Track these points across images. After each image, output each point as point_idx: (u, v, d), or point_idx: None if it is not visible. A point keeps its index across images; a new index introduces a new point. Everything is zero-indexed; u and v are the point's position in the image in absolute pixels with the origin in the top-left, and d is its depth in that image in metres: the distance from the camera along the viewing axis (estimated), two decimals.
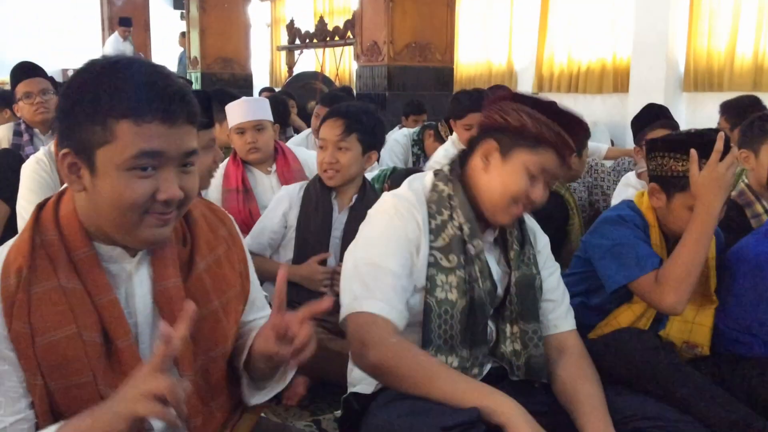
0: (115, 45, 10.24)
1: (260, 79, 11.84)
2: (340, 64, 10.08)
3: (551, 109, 1.55)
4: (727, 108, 4.01)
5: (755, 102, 3.93)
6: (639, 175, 3.02)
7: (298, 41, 9.76)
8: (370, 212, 1.64)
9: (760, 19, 6.76)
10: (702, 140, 1.83)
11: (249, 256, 1.39)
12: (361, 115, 2.45)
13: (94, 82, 1.06)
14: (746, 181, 2.61)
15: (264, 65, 13.54)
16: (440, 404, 1.38)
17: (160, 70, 1.11)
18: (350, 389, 1.69)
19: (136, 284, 1.18)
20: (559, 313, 1.71)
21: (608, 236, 1.93)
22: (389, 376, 1.45)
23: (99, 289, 1.12)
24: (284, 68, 10.63)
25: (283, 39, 10.66)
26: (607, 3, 8.26)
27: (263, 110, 3.04)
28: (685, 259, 1.76)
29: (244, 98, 3.24)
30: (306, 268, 2.34)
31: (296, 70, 10.07)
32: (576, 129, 1.56)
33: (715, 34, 7.17)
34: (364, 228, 1.62)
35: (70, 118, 1.08)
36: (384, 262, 1.52)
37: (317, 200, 2.42)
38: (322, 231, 2.38)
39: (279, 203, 2.46)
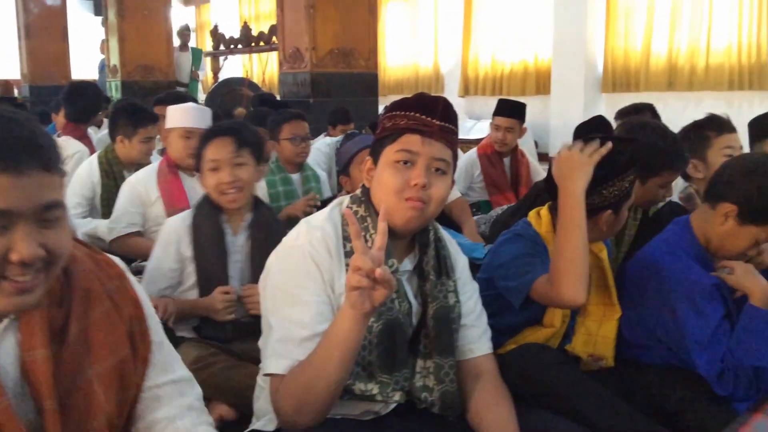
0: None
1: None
2: (267, 70, 9.98)
3: (403, 101, 1.60)
4: (626, 114, 4.11)
5: (650, 107, 4.07)
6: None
7: (222, 47, 9.63)
8: (285, 243, 1.59)
9: (674, 19, 6.98)
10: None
11: (149, 312, 1.28)
12: (245, 129, 2.39)
13: None
14: (695, 187, 2.67)
15: (188, 72, 13.28)
16: None
17: (4, 115, 1.00)
18: (253, 423, 1.66)
19: (2, 353, 1.07)
20: (474, 337, 1.69)
21: (506, 253, 1.94)
22: (308, 405, 1.43)
23: None
24: (209, 74, 10.48)
25: (208, 45, 10.49)
26: (528, 5, 8.41)
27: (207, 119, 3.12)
28: (563, 249, 1.77)
29: (191, 104, 3.32)
30: (206, 300, 2.24)
31: (222, 77, 9.94)
32: (432, 105, 1.56)
33: (631, 35, 7.37)
34: (276, 267, 1.57)
35: None
36: (301, 318, 1.48)
37: (208, 228, 2.30)
38: (220, 260, 2.28)
39: (168, 241, 2.31)
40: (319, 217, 1.61)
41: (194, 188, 2.84)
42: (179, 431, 1.25)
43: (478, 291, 1.75)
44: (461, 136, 7.82)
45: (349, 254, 1.54)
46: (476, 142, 7.29)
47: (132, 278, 1.28)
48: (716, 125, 2.63)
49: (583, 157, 1.82)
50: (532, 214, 2.06)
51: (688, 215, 2.06)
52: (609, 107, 7.65)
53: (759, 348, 1.78)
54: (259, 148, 2.40)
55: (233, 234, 2.32)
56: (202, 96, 9.93)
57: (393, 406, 1.58)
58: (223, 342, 2.22)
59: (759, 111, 4.15)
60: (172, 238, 2.30)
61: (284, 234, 2.06)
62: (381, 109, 8.22)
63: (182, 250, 2.29)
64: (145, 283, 2.30)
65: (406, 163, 1.54)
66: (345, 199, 1.67)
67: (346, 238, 1.56)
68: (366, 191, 1.63)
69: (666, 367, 1.90)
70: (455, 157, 1.62)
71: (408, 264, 1.64)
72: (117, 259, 1.28)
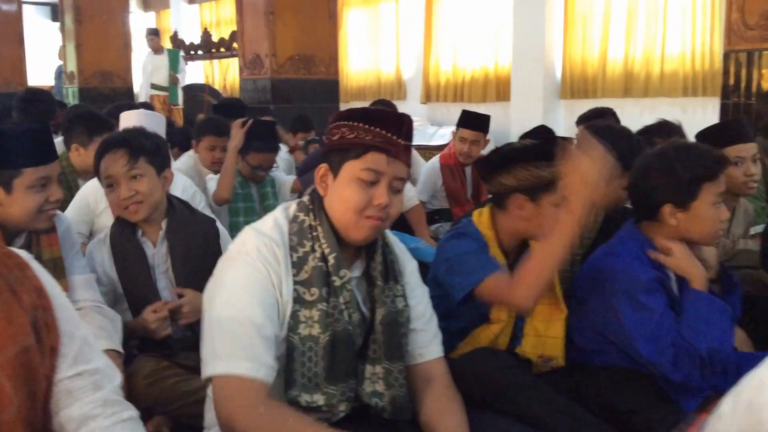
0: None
1: (146, 93, 11.47)
2: (228, 76, 9.92)
3: (366, 115, 1.56)
4: (588, 119, 4.17)
5: (611, 112, 4.15)
6: None
7: (183, 53, 9.56)
8: (232, 250, 1.56)
9: (629, 27, 7.12)
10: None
11: (60, 302, 1.25)
12: (140, 137, 2.28)
13: None
14: None
15: None
16: None
17: None
18: None
19: None
20: (424, 341, 1.68)
21: (450, 250, 1.97)
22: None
23: None
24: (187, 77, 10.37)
25: None
26: (488, 12, 8.49)
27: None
28: (544, 259, 1.79)
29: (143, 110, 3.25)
30: (139, 321, 2.17)
31: (183, 83, 9.85)
32: (395, 124, 1.55)
33: (589, 42, 7.49)
34: (224, 273, 1.54)
35: None
36: (249, 317, 1.46)
37: (126, 247, 2.23)
38: (145, 278, 2.21)
39: (91, 262, 2.23)
40: (267, 223, 1.59)
41: None
42: None
43: (428, 294, 1.75)
44: (423, 142, 7.97)
45: (295, 264, 1.53)
46: (438, 148, 7.35)
47: (37, 268, 1.25)
48: (665, 131, 2.70)
49: (591, 171, 1.77)
50: (475, 213, 2.09)
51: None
52: (567, 113, 7.76)
53: (706, 330, 1.82)
54: (158, 153, 2.28)
55: (153, 246, 2.25)
56: (180, 99, 9.63)
57: (341, 415, 1.57)
58: (168, 357, 2.18)
59: (712, 116, 4.29)
60: (95, 260, 2.24)
61: (205, 231, 2.01)
62: None
63: (107, 270, 2.23)
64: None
65: (370, 182, 1.54)
66: (291, 205, 1.64)
67: (293, 248, 1.55)
68: (317, 199, 1.61)
69: (616, 369, 1.93)
70: (408, 172, 1.63)
71: (356, 270, 1.64)
72: (21, 252, 1.25)
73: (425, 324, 1.69)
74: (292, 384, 1.52)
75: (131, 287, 2.22)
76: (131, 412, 1.32)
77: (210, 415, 1.67)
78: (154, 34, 9.85)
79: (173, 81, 9.63)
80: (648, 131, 2.75)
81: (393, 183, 1.56)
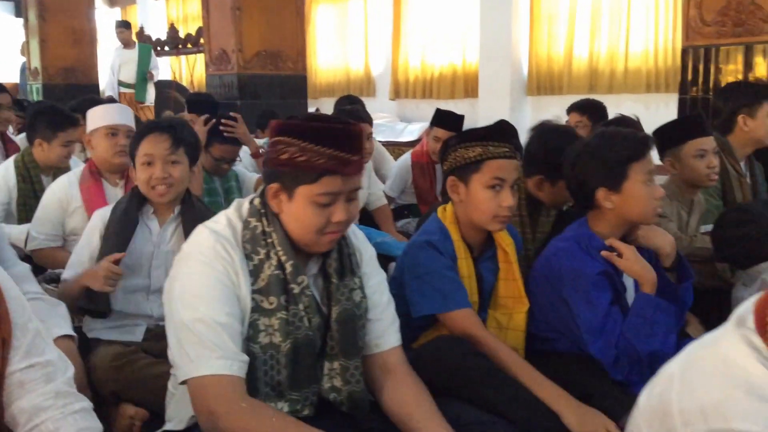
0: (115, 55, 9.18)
1: (112, 90, 11.34)
2: (195, 72, 9.84)
3: (316, 134, 1.49)
4: (585, 108, 4.33)
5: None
6: None
7: (167, 47, 9.45)
8: (186, 250, 1.56)
9: (594, 25, 7.21)
10: (488, 131, 2.01)
11: (12, 294, 1.25)
12: (184, 128, 2.39)
13: None
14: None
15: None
16: None
17: None
18: (166, 424, 1.66)
19: None
20: (380, 330, 1.68)
21: (417, 262, 1.99)
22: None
23: None
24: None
25: None
26: (455, 9, 8.53)
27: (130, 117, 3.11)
28: (515, 369, 1.86)
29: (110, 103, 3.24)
30: (92, 268, 2.17)
31: (156, 80, 9.74)
32: (346, 140, 1.50)
33: (554, 39, 7.57)
34: (182, 274, 1.53)
35: None
36: (213, 317, 1.46)
37: (124, 212, 2.29)
38: (122, 238, 2.25)
39: (93, 228, 2.30)
40: (220, 222, 1.58)
41: (116, 197, 2.78)
42: (44, 426, 1.23)
43: (385, 281, 1.76)
44: (392, 138, 7.98)
45: (252, 272, 1.53)
46: (407, 145, 7.37)
47: None
48: (623, 126, 2.76)
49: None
50: (439, 209, 2.12)
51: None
52: (534, 110, 7.84)
53: (651, 333, 1.87)
54: (194, 148, 2.41)
55: (160, 225, 2.32)
56: (151, 97, 9.15)
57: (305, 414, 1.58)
58: (101, 316, 2.21)
59: (674, 112, 4.36)
60: (97, 226, 2.29)
61: None
62: (311, 111, 8.23)
63: (102, 236, 2.27)
64: (67, 268, 2.30)
65: (326, 204, 1.51)
66: (244, 204, 1.62)
67: (248, 255, 1.54)
68: (268, 205, 1.59)
69: (571, 355, 1.98)
70: None
71: (313, 267, 1.63)
72: None
73: (382, 312, 1.70)
74: (255, 392, 1.52)
75: (107, 243, 2.24)
76: (83, 403, 1.33)
77: (170, 409, 1.68)
78: (123, 26, 9.32)
79: (149, 78, 9.12)
80: (608, 125, 2.81)
81: (350, 195, 1.55)
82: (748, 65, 3.66)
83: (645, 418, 1.15)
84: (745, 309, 1.08)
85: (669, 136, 2.76)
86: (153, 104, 9.11)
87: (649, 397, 1.15)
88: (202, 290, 1.49)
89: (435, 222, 2.07)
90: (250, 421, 1.42)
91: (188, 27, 10.82)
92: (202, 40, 7.72)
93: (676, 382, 1.08)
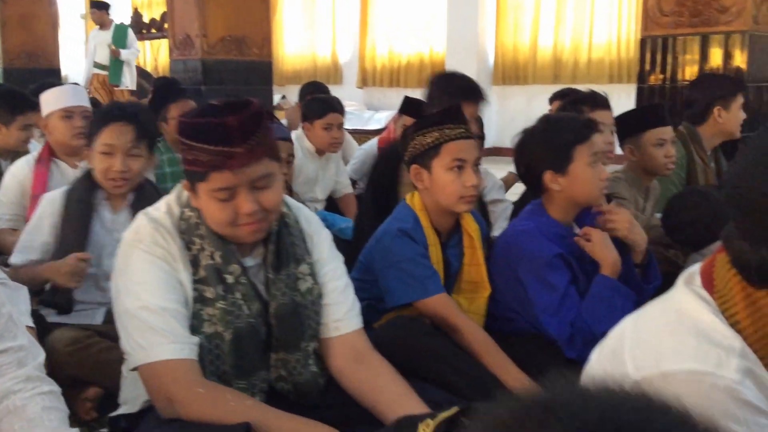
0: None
1: (75, 75, 11.16)
2: (160, 58, 9.71)
3: (194, 130, 1.45)
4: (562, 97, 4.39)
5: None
6: None
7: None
8: (127, 239, 1.54)
9: (559, 16, 7.29)
10: (442, 116, 2.04)
11: None
12: (146, 119, 2.32)
13: None
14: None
15: (79, 59, 12.78)
16: (209, 424, 1.39)
17: None
18: (120, 408, 1.65)
19: None
20: (341, 314, 1.66)
21: (391, 250, 2.00)
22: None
23: None
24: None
25: None
26: None
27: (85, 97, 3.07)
28: (495, 367, 1.88)
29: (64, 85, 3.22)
30: (57, 262, 2.13)
31: (130, 61, 9.57)
32: (223, 134, 1.43)
33: (520, 30, 7.65)
34: (125, 263, 1.52)
35: None
36: (159, 303, 1.46)
37: (80, 202, 2.24)
38: (81, 231, 2.21)
39: (43, 214, 2.24)
40: (160, 209, 1.57)
41: (67, 178, 2.75)
42: (15, 407, 1.24)
43: (342, 266, 1.74)
44: (359, 126, 7.97)
45: (192, 263, 1.52)
46: (374, 133, 7.37)
47: None
48: (592, 101, 2.80)
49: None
50: (408, 196, 2.14)
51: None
52: (500, 99, 7.90)
53: (607, 314, 1.90)
54: (154, 139, 2.35)
55: (113, 212, 2.27)
56: (128, 80, 8.68)
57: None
58: (64, 312, 2.18)
59: (636, 102, 4.44)
60: (47, 211, 2.23)
61: None
62: (277, 98, 8.18)
63: (56, 222, 2.22)
64: (15, 251, 2.25)
65: (226, 197, 1.46)
66: (184, 191, 1.59)
67: (183, 232, 1.53)
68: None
69: (528, 335, 2.02)
70: (277, 156, 1.54)
71: (257, 258, 1.62)
72: None
73: (338, 297, 1.68)
74: (203, 377, 1.51)
75: (65, 236, 2.20)
76: (52, 386, 1.34)
77: (124, 393, 1.68)
78: (96, 7, 8.65)
79: (114, 55, 8.55)
80: (577, 101, 2.86)
81: (256, 184, 1.48)
82: (704, 55, 3.74)
83: (596, 372, 1.18)
84: (691, 271, 1.12)
85: (629, 125, 2.81)
86: (130, 88, 8.67)
87: (600, 353, 1.19)
88: (144, 278, 1.48)
89: (406, 209, 2.09)
90: (208, 404, 1.43)
91: (152, 12, 10.66)
92: (166, 25, 7.63)
93: (628, 336, 1.11)
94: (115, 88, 8.59)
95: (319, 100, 3.90)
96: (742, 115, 3.23)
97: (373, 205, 2.66)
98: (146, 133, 2.26)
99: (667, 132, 2.78)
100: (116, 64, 8.60)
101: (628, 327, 1.15)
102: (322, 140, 3.71)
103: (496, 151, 7.51)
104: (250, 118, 1.45)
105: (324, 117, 3.70)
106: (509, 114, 7.55)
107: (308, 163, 3.72)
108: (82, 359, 2.03)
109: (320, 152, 3.75)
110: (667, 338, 1.05)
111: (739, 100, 3.21)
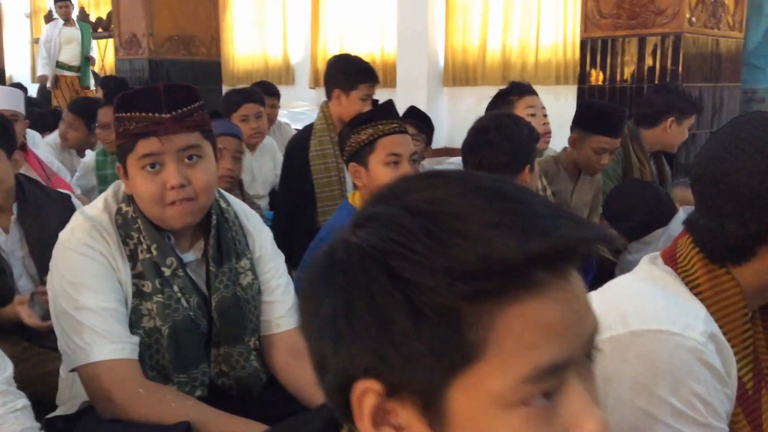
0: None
1: (20, 75, 10.90)
2: (106, 57, 9.55)
3: (124, 101, 1.49)
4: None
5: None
6: None
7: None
8: (63, 239, 1.52)
9: (506, 18, 7.37)
10: (374, 113, 2.10)
11: None
12: None
13: None
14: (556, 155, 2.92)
15: (24, 59, 12.48)
16: (147, 424, 1.39)
17: None
18: (57, 409, 1.64)
19: None
20: (283, 311, 1.68)
21: None
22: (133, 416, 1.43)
23: None
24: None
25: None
26: None
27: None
28: None
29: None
30: (9, 311, 2.07)
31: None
32: (152, 99, 1.46)
33: (469, 32, 7.71)
34: (61, 264, 1.50)
35: None
36: (98, 303, 1.45)
37: None
38: None
39: None
40: (97, 206, 1.56)
41: None
42: None
43: (284, 264, 1.75)
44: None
45: (130, 258, 1.51)
46: None
47: None
48: (518, 89, 2.91)
49: None
50: (350, 195, 2.17)
51: None
52: (450, 100, 7.97)
53: None
54: (6, 135, 2.14)
55: (5, 232, 2.15)
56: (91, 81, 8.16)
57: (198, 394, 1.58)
58: (31, 339, 2.12)
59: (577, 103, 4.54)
60: None
61: (62, 209, 1.96)
62: None
63: None
64: None
65: (153, 166, 1.47)
66: (121, 187, 1.59)
67: (124, 241, 1.52)
68: None
69: None
70: (211, 135, 1.56)
71: (197, 252, 1.61)
72: None
73: (281, 294, 1.69)
74: (144, 377, 1.51)
75: None
76: (24, 401, 1.35)
77: (63, 393, 1.66)
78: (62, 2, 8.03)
79: (91, 62, 8.02)
80: (504, 93, 2.98)
81: (182, 155, 1.49)
82: (642, 56, 3.84)
83: None
84: (652, 256, 1.18)
85: (586, 118, 2.89)
86: (95, 89, 7.98)
87: None
88: (82, 278, 1.47)
89: (347, 207, 2.11)
90: (148, 405, 1.42)
91: (99, 11, 10.47)
92: (113, 25, 7.52)
93: (594, 305, 1.16)
94: (85, 90, 8.00)
95: (234, 92, 3.87)
96: (686, 135, 3.34)
97: (288, 196, 2.70)
98: None
99: (613, 144, 2.86)
100: (86, 64, 8.07)
101: (595, 297, 1.20)
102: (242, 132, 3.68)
103: (448, 152, 7.57)
104: (180, 89, 1.49)
105: (239, 109, 3.66)
106: (460, 115, 7.62)
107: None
108: (18, 373, 1.99)
109: (250, 146, 3.72)
110: (637, 301, 1.10)
111: (691, 120, 3.31)
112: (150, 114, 1.44)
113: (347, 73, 3.01)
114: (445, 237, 0.58)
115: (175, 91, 1.48)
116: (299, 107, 8.33)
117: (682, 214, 2.40)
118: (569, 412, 0.61)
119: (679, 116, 3.25)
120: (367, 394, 0.62)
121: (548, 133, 3.00)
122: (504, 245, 0.57)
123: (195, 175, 1.49)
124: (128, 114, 1.46)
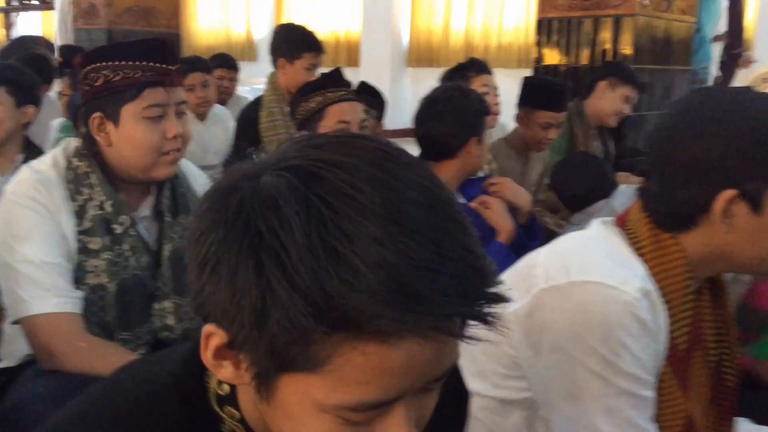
0: None
1: None
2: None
3: (128, 49, 1.51)
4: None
5: None
6: None
7: (15, 2, 8.92)
8: (8, 191, 1.53)
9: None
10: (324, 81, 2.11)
11: None
12: (6, 68, 2.33)
13: None
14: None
15: None
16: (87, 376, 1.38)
17: None
18: (1, 363, 1.65)
19: None
20: None
21: None
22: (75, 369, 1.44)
23: None
24: (1, 32, 9.64)
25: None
26: None
27: None
28: None
29: None
30: None
31: (16, 34, 9.18)
32: (159, 52, 1.51)
33: (434, 13, 7.72)
34: (6, 217, 1.50)
35: None
36: (41, 257, 1.46)
37: None
38: None
39: None
40: (46, 162, 1.56)
41: None
42: None
43: None
44: None
45: (77, 214, 1.52)
46: None
47: None
48: (476, 67, 2.96)
49: None
50: None
51: None
52: (414, 81, 7.98)
53: None
54: (21, 87, 2.30)
55: (1, 175, 2.24)
56: None
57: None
58: None
59: None
60: None
61: None
62: None
63: None
64: None
65: (159, 116, 1.51)
66: (72, 143, 1.60)
67: (72, 197, 1.53)
68: (89, 143, 1.58)
69: None
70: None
71: (145, 208, 1.63)
72: None
73: None
74: (86, 331, 1.52)
75: None
76: None
77: (5, 347, 1.66)
78: None
79: None
80: (461, 67, 3.03)
81: (178, 110, 1.56)
82: (596, 38, 3.90)
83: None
84: (606, 218, 1.24)
85: (531, 94, 2.94)
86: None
87: (511, 271, 1.27)
88: (25, 231, 1.47)
89: None
90: (89, 358, 1.43)
91: None
92: None
93: (541, 256, 1.21)
94: None
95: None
96: (624, 108, 3.39)
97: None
98: (1, 81, 2.26)
99: (558, 118, 2.91)
100: None
101: (544, 250, 1.24)
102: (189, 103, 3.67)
103: (411, 132, 7.60)
104: (173, 47, 1.56)
105: (185, 79, 3.64)
106: (423, 95, 7.65)
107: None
108: None
109: (199, 115, 3.70)
110: (580, 254, 1.17)
111: (626, 91, 3.36)
112: (158, 65, 1.49)
113: (290, 42, 3.01)
114: (323, 257, 0.56)
115: (171, 47, 1.55)
116: (262, 84, 8.26)
117: (624, 188, 2.48)
118: (382, 428, 0.64)
119: (613, 82, 3.34)
120: (212, 336, 0.66)
121: (497, 114, 3.07)
122: (371, 298, 0.56)
123: (184, 127, 1.57)
124: (132, 63, 1.46)
